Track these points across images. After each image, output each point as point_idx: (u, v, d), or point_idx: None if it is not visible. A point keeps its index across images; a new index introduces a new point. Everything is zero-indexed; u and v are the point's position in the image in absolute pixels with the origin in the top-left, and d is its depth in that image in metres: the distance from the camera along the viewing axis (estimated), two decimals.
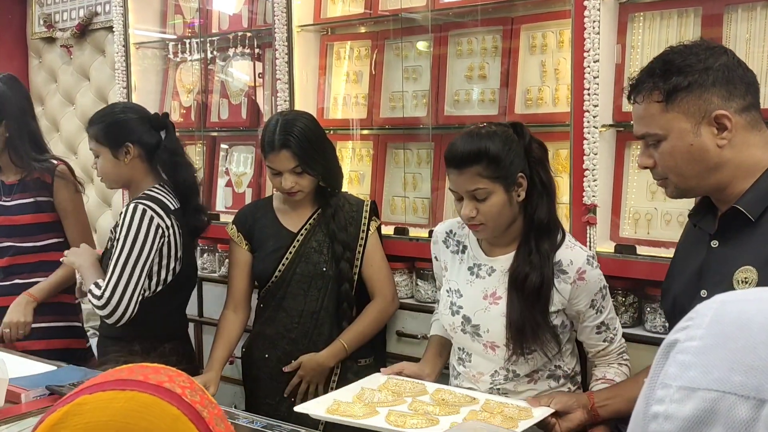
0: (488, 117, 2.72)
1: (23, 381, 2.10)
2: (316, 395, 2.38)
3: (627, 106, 2.42)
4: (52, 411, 0.75)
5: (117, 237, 2.35)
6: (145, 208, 2.35)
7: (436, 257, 2.15)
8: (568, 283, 1.93)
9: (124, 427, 0.71)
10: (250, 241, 2.44)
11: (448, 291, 2.06)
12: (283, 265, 2.38)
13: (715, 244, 1.53)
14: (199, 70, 3.56)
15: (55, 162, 2.89)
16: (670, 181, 1.55)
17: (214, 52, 3.48)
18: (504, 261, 1.98)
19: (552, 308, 1.93)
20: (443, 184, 2.82)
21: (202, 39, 3.47)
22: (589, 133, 2.27)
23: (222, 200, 3.52)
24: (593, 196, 2.26)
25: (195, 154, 3.62)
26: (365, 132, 3.06)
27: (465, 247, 2.07)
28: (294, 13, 3.01)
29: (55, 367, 2.33)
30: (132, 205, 2.36)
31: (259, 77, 3.38)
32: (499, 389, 2.00)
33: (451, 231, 2.11)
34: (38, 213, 2.83)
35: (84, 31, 4.03)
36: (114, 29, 3.62)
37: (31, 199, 2.83)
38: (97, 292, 2.30)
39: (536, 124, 2.63)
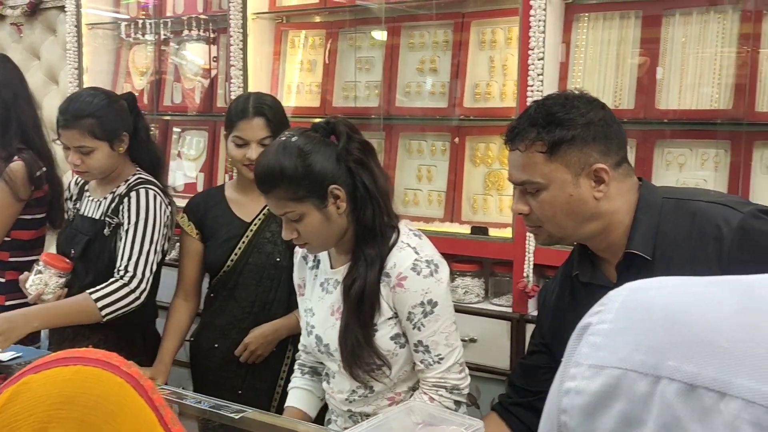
0: (438, 109, 2.81)
1: None
2: (260, 368, 2.35)
3: None
4: None
5: (129, 221, 2.33)
6: (156, 193, 2.37)
7: (295, 271, 2.01)
8: (389, 287, 1.74)
9: (76, 397, 0.74)
10: (201, 230, 2.43)
11: (305, 311, 1.93)
12: (236, 254, 2.37)
13: None
14: (152, 53, 3.55)
15: (15, 157, 2.63)
16: (544, 229, 1.56)
17: (168, 35, 3.48)
18: (344, 271, 1.82)
19: (382, 317, 1.76)
20: (393, 174, 2.89)
21: (156, 21, 3.46)
22: None
23: (173, 184, 3.52)
24: None
25: None
26: (317, 120, 3.09)
27: (319, 261, 1.91)
28: (249, 0, 3.04)
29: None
30: (142, 191, 2.36)
31: (213, 61, 3.39)
32: (360, 413, 1.85)
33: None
34: None
35: (35, 9, 3.97)
36: (66, 9, 3.59)
37: None
38: (117, 275, 2.28)
39: (484, 117, 2.73)
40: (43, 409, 0.73)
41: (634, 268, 1.49)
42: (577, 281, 1.62)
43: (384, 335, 1.76)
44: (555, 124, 1.48)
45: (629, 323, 0.70)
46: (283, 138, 1.76)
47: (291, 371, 2.32)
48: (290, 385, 2.04)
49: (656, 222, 1.50)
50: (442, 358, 1.76)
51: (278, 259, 2.35)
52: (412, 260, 1.73)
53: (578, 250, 1.64)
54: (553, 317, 1.66)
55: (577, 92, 1.56)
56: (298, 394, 2.00)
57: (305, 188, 1.69)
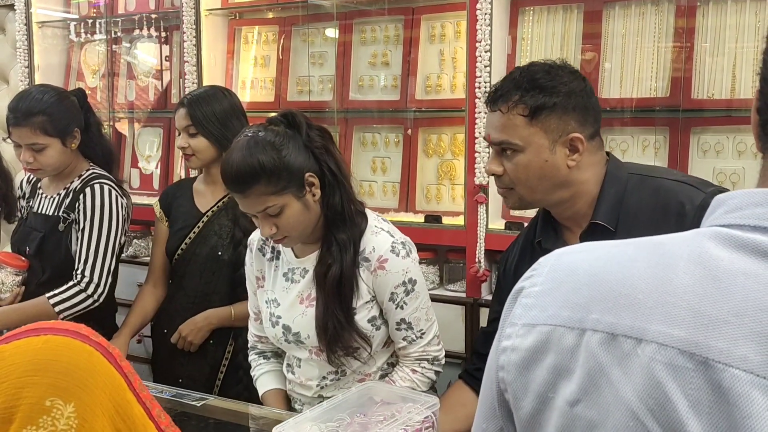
0: (391, 102, 2.87)
1: None
2: (198, 358, 2.40)
3: None
4: None
5: (85, 218, 2.34)
6: (111, 188, 2.38)
7: (251, 264, 1.98)
8: (370, 271, 1.79)
9: (47, 363, 0.79)
10: (169, 218, 2.49)
11: (267, 302, 1.93)
12: (185, 244, 2.42)
13: None
14: (104, 51, 3.55)
15: None
16: (516, 192, 1.60)
17: (120, 33, 3.48)
18: (314, 259, 1.85)
19: (360, 300, 1.81)
20: (348, 166, 2.94)
21: (107, 19, 3.46)
22: (480, 118, 2.44)
23: (129, 181, 3.53)
24: (484, 176, 2.43)
25: None
26: (272, 115, 3.13)
27: (279, 252, 1.93)
28: None
29: None
30: (97, 186, 2.36)
31: (165, 60, 3.40)
32: (329, 398, 1.79)
33: (267, 238, 1.90)
34: None
35: None
36: (15, 7, 3.56)
37: None
38: (75, 280, 2.31)
39: (435, 109, 2.80)
40: (17, 376, 0.77)
41: (596, 237, 1.53)
42: (539, 247, 1.66)
43: (362, 318, 1.82)
44: (538, 90, 1.53)
45: (557, 284, 0.77)
46: (247, 135, 1.76)
47: (231, 365, 2.40)
48: (258, 372, 2.02)
49: (621, 195, 1.57)
50: (423, 333, 1.85)
51: (220, 253, 2.39)
52: (390, 243, 1.80)
53: (542, 216, 1.69)
54: (513, 283, 1.72)
55: (560, 62, 1.60)
56: (272, 377, 2.01)
57: (285, 179, 1.71)
